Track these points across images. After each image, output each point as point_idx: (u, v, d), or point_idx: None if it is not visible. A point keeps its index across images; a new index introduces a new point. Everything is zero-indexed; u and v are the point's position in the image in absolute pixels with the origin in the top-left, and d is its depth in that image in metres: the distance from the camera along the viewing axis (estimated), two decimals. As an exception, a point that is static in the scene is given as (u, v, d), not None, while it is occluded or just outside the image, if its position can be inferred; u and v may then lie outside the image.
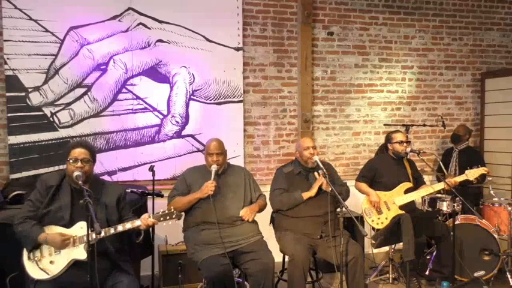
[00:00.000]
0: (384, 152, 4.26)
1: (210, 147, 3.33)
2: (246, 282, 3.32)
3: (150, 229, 3.52)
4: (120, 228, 2.65)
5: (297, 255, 3.20)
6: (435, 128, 5.42)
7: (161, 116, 4.59)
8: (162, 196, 3.68)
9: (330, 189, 3.22)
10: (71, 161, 2.67)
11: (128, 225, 2.67)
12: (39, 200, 2.69)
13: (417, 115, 5.52)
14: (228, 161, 3.51)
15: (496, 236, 3.99)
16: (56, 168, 4.17)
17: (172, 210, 2.79)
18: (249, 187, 3.43)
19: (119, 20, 4.42)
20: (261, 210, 3.42)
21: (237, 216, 3.27)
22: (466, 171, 3.85)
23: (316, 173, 3.44)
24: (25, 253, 2.63)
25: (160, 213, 2.77)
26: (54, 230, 2.62)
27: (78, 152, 2.68)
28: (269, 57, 4.95)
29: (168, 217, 2.77)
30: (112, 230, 2.63)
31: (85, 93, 4.35)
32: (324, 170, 3.28)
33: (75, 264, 2.59)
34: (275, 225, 3.62)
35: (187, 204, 3.24)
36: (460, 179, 3.83)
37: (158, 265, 3.93)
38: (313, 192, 3.38)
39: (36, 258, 2.59)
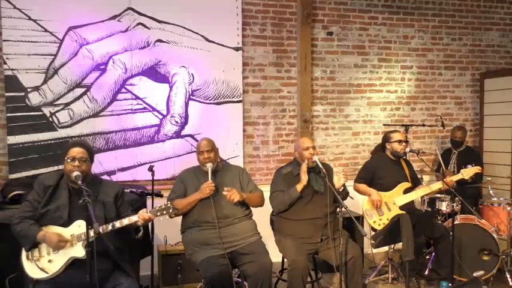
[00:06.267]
0: (380, 152, 4.26)
1: (200, 145, 3.36)
2: (245, 282, 3.32)
3: (150, 229, 3.52)
4: (117, 224, 2.64)
5: (297, 264, 3.17)
6: (434, 128, 5.43)
7: (160, 116, 4.59)
8: (161, 196, 3.68)
9: (319, 170, 3.23)
10: (68, 160, 2.67)
11: (126, 221, 2.65)
12: (37, 200, 2.69)
13: (416, 115, 5.52)
14: (226, 160, 3.50)
15: (495, 235, 3.99)
16: (56, 168, 4.17)
17: (169, 204, 2.78)
18: (244, 184, 3.41)
19: (118, 20, 4.42)
20: (253, 202, 3.37)
21: (232, 215, 3.25)
22: (462, 170, 3.90)
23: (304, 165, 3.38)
24: (24, 253, 2.62)
25: (157, 208, 2.77)
26: (52, 230, 2.62)
27: (76, 151, 2.69)
28: (268, 57, 4.95)
29: (165, 211, 2.76)
30: (110, 227, 2.62)
31: (84, 93, 4.35)
32: (324, 171, 3.27)
33: (74, 263, 2.59)
34: (275, 227, 3.61)
35: (188, 206, 3.23)
36: (456, 178, 3.85)
37: (157, 265, 3.93)
38: (305, 180, 3.33)
39: (35, 258, 2.59)
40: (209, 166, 3.25)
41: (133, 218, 2.68)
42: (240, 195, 3.18)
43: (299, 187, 3.35)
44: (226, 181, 3.34)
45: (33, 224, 2.63)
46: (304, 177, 3.35)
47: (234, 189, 3.19)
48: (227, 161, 4.55)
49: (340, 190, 3.37)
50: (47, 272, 2.56)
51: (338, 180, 3.39)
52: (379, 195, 3.86)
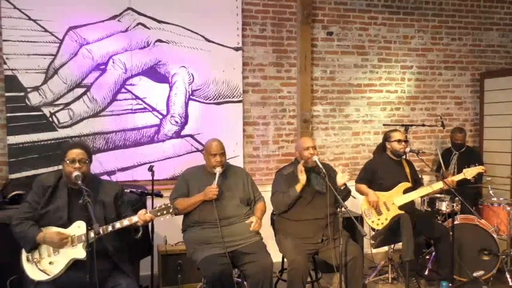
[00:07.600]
0: (381, 152, 4.26)
1: (213, 147, 3.31)
2: (245, 283, 3.32)
3: (150, 229, 3.52)
4: (117, 225, 2.64)
5: (297, 264, 3.17)
6: (434, 128, 5.43)
7: (160, 116, 4.59)
8: (161, 196, 3.68)
9: (321, 172, 3.23)
10: (68, 161, 2.65)
11: (126, 222, 2.65)
12: (36, 201, 2.68)
13: (416, 115, 5.52)
14: (227, 161, 3.50)
15: (495, 235, 3.99)
16: (55, 168, 4.15)
17: (169, 204, 2.78)
18: (247, 187, 3.43)
19: (118, 20, 4.42)
20: (263, 214, 3.44)
21: (234, 215, 3.26)
22: (464, 170, 3.87)
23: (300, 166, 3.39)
24: (24, 255, 2.62)
25: (157, 208, 2.77)
26: (51, 231, 2.62)
27: (76, 153, 2.67)
28: (268, 57, 4.95)
29: (165, 211, 2.76)
30: (110, 228, 2.62)
31: (84, 93, 4.35)
32: (324, 171, 3.28)
33: (74, 264, 2.58)
34: (275, 227, 3.61)
35: (191, 206, 3.24)
36: (458, 177, 3.84)
37: (157, 265, 3.93)
38: (303, 179, 3.32)
39: (35, 260, 2.58)
40: (218, 171, 3.24)
41: (134, 219, 2.68)
42: (259, 222, 3.26)
43: (298, 187, 3.34)
44: (230, 184, 3.35)
45: (33, 225, 2.62)
46: (301, 177, 3.33)
47: (254, 220, 3.24)
48: (227, 161, 4.54)
49: (342, 188, 3.37)
50: (48, 274, 2.55)
51: (342, 177, 3.37)
52: (375, 196, 3.86)
